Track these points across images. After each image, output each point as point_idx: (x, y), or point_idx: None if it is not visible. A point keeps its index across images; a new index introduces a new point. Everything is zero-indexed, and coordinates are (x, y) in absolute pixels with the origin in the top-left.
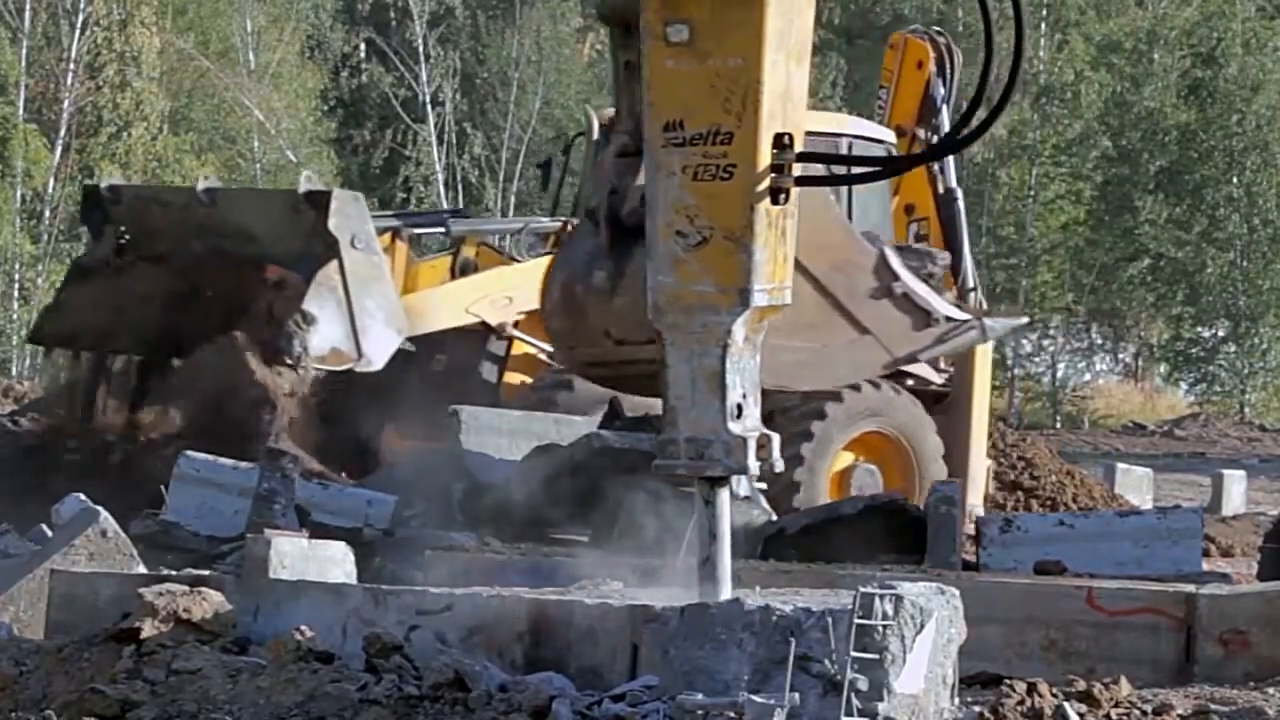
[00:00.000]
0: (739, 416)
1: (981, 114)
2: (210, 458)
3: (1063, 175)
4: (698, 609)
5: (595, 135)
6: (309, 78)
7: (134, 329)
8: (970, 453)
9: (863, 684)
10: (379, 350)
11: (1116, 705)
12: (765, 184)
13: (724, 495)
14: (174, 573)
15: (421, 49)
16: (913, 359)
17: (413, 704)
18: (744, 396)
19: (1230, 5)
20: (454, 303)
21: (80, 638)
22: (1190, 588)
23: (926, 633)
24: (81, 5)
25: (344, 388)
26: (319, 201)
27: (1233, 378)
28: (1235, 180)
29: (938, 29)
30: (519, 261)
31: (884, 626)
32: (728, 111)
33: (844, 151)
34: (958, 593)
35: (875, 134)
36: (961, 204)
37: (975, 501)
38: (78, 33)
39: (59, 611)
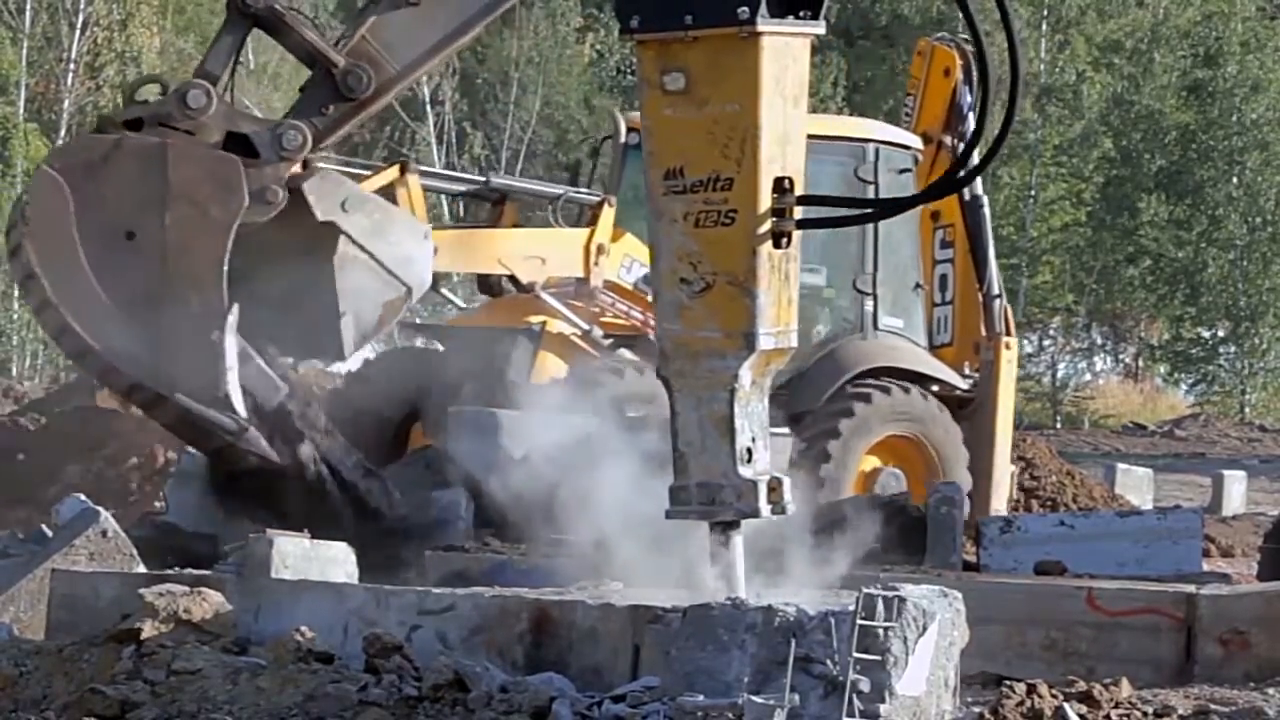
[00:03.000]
0: (749, 460)
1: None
2: None
3: (1063, 176)
4: (700, 610)
5: (623, 138)
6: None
7: None
8: (994, 458)
9: (865, 685)
10: (420, 271)
11: (1116, 706)
12: (767, 228)
13: (737, 540)
14: (173, 572)
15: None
16: None
17: (412, 704)
18: (753, 440)
19: (1230, 5)
20: (486, 248)
21: (80, 638)
22: (1190, 588)
23: (929, 635)
24: (81, 5)
25: (370, 386)
26: (298, 199)
27: (1233, 378)
28: (1235, 180)
29: (965, 37)
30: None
31: (886, 628)
32: (727, 157)
33: (871, 157)
34: (960, 595)
35: (901, 139)
36: (987, 211)
37: (1000, 507)
38: (78, 33)
39: (59, 611)
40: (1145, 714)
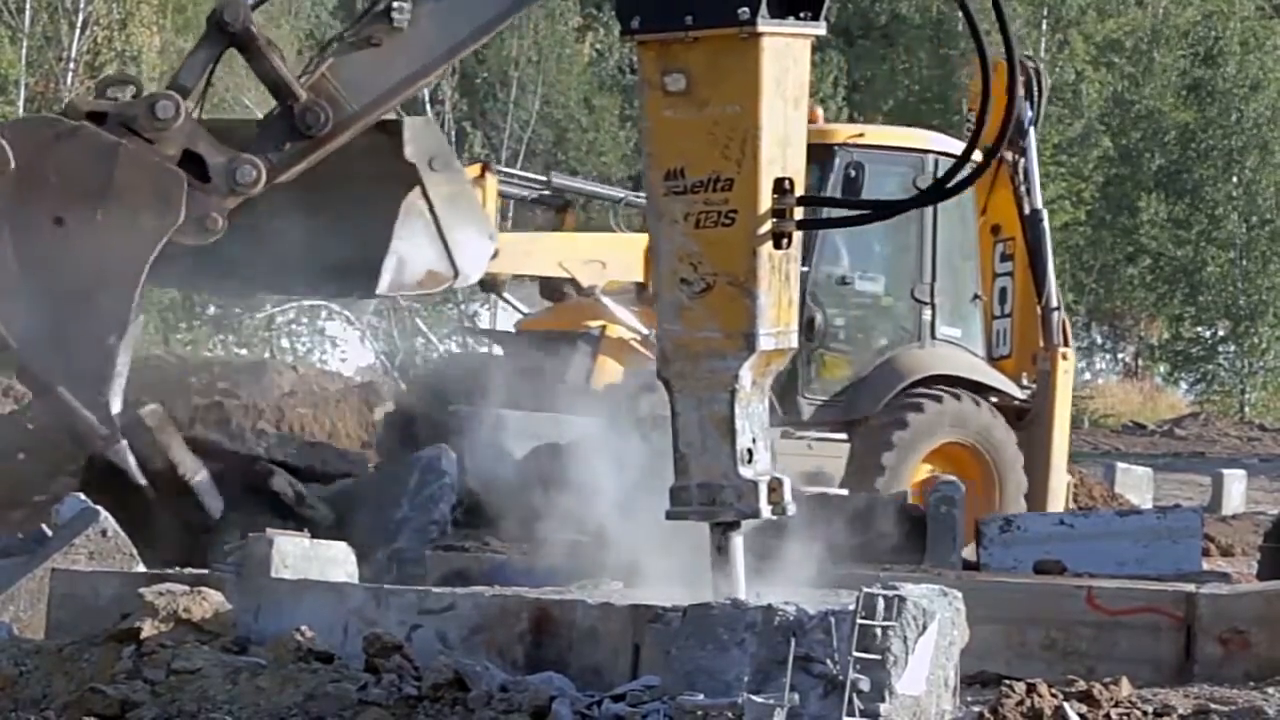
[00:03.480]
0: (750, 461)
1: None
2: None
3: (1063, 175)
4: (700, 609)
5: None
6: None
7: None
8: (1051, 468)
9: (864, 684)
10: (474, 262)
11: (1116, 705)
12: (767, 228)
13: (737, 541)
14: (173, 571)
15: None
16: None
17: (412, 704)
18: (754, 441)
19: (1229, 5)
20: (547, 251)
21: (80, 638)
22: (1190, 587)
23: (929, 634)
24: (81, 5)
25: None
26: (392, 130)
27: (1233, 377)
28: (1235, 179)
29: (1027, 54)
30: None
31: (886, 627)
32: (727, 158)
33: (930, 167)
34: (960, 595)
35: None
36: (1047, 224)
37: None
38: (78, 32)
39: (59, 611)
40: (1145, 713)
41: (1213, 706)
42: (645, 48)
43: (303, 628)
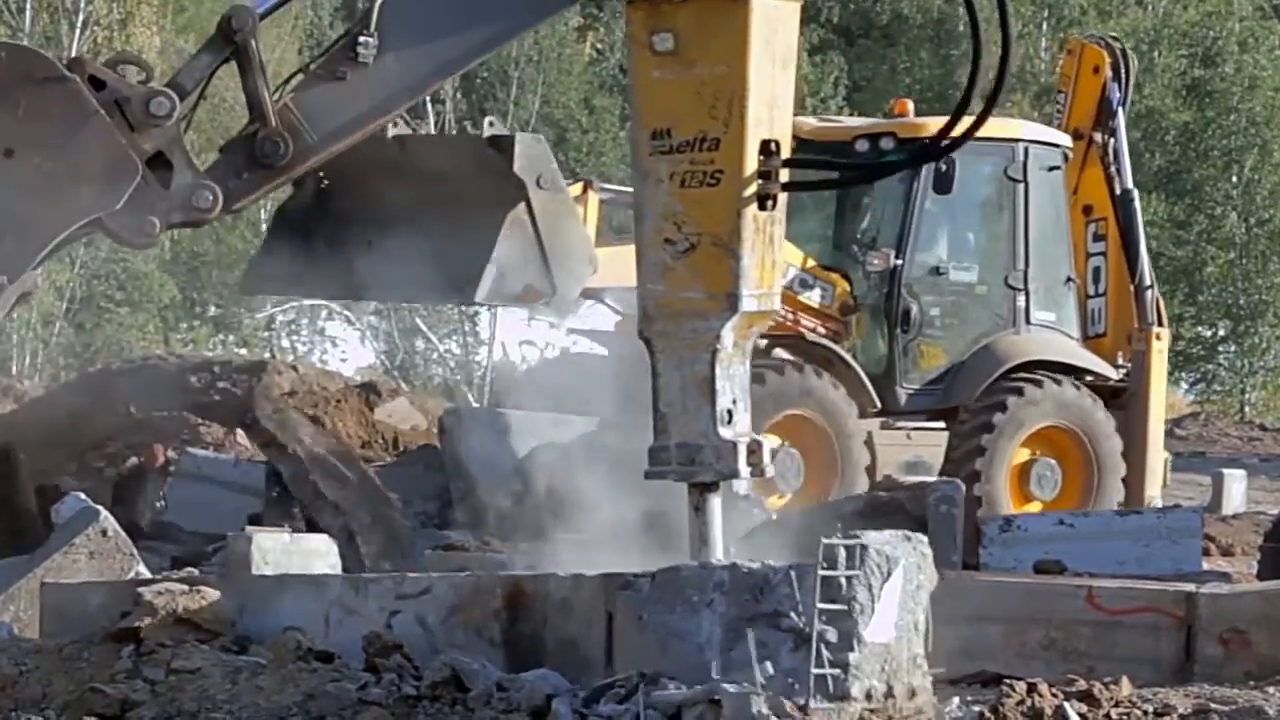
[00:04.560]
0: (729, 422)
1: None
2: (211, 454)
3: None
4: (668, 572)
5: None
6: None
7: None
8: (1148, 447)
9: (832, 635)
10: (572, 283)
11: (1117, 705)
12: (753, 189)
13: (715, 502)
14: (161, 576)
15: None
16: None
17: (412, 704)
18: (734, 402)
19: (1228, 5)
20: None
21: (80, 637)
22: (1190, 587)
23: (894, 580)
24: (81, 5)
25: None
26: (503, 145)
27: (1233, 377)
28: (1234, 179)
29: (1113, 35)
30: None
31: (850, 577)
32: (714, 118)
33: (1020, 156)
34: (924, 539)
35: (1051, 138)
36: (1138, 204)
37: (1154, 494)
38: (78, 32)
39: (51, 623)
40: (1145, 713)
41: (1213, 706)
42: (634, 7)
43: (297, 626)
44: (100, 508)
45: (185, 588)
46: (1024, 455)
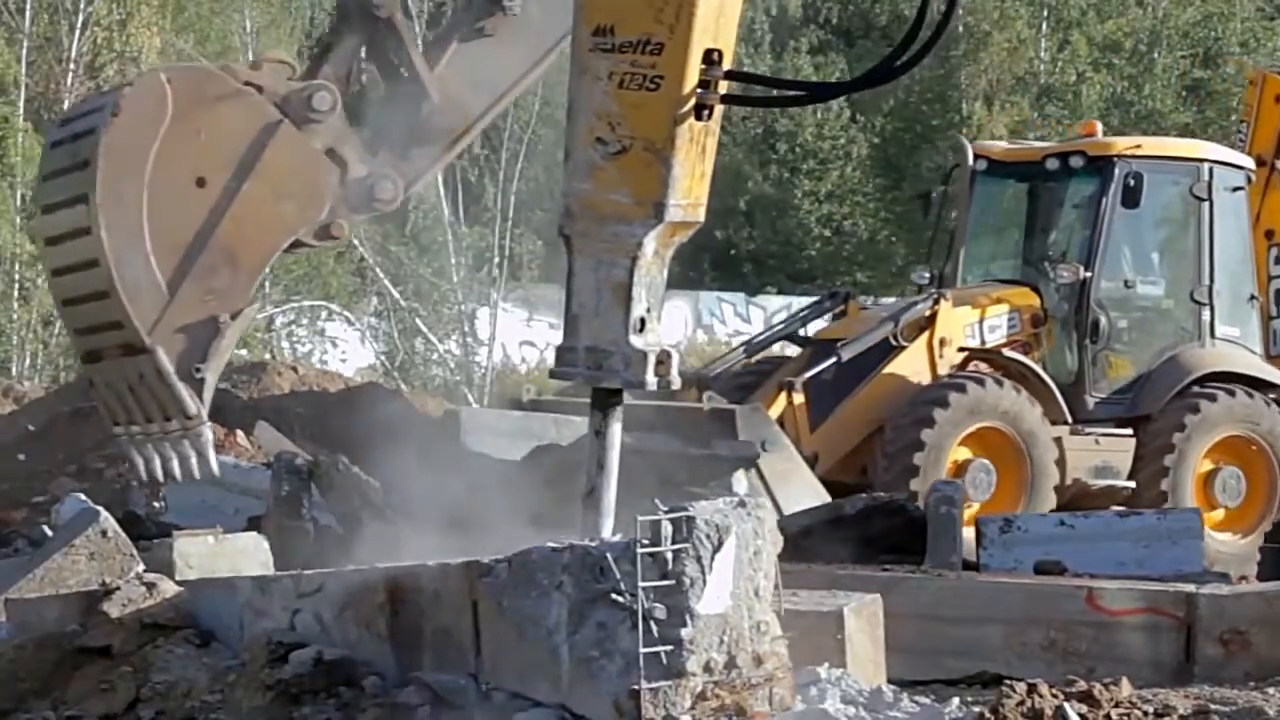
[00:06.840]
0: (641, 330)
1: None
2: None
3: None
4: (522, 556)
5: (970, 164)
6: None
7: None
8: None
9: (660, 612)
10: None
11: (1117, 705)
12: (692, 99)
13: (616, 426)
14: (109, 582)
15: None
16: None
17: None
18: (648, 311)
19: (1229, 5)
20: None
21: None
22: (1190, 588)
23: (726, 550)
24: (81, 5)
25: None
26: (725, 418)
27: None
28: None
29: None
30: None
31: (676, 551)
32: (660, 22)
33: (1205, 175)
34: (764, 503)
35: (1235, 160)
36: None
37: None
38: (78, 33)
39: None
40: (1145, 714)
41: (1213, 707)
42: None
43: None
44: (100, 508)
45: (145, 589)
46: (1209, 464)
